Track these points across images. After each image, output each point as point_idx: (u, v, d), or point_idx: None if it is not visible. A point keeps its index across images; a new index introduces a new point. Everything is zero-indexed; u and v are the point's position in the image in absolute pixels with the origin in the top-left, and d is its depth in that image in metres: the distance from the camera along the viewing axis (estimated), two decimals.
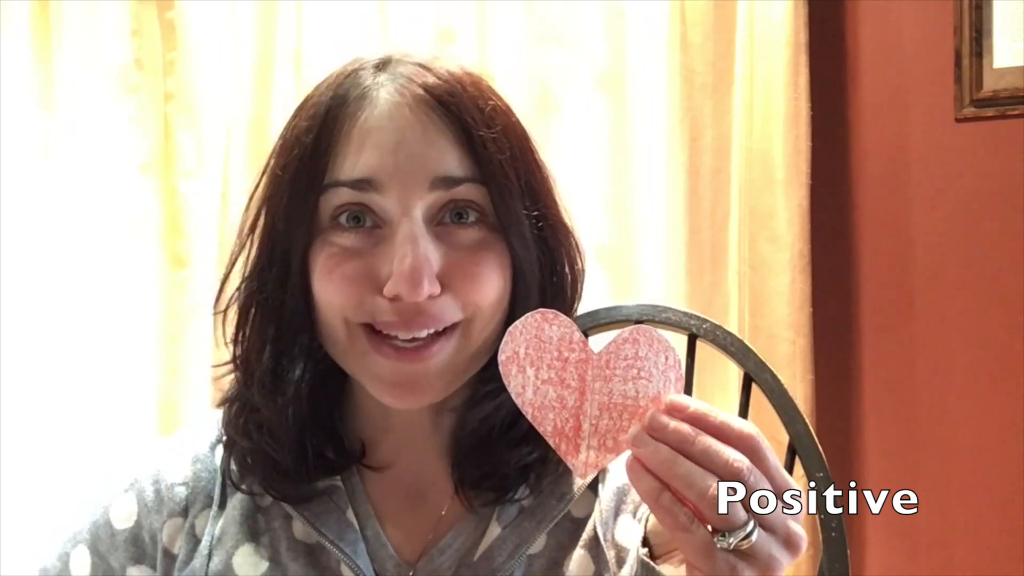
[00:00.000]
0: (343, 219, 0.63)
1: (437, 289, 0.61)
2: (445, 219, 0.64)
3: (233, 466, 0.69)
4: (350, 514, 0.68)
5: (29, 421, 1.73)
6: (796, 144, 1.59)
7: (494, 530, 0.68)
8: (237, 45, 1.77)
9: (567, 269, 0.70)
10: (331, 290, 0.63)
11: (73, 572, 0.70)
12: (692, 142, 1.65)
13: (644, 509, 0.69)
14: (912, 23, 1.62)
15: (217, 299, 0.70)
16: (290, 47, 1.76)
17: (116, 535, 0.70)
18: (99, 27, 1.82)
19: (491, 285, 0.64)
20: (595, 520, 0.69)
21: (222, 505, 0.70)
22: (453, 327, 0.64)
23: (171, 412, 1.76)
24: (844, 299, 1.66)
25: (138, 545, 0.70)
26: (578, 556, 0.68)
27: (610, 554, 0.68)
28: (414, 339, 0.62)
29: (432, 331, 0.63)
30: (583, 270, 0.72)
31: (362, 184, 0.62)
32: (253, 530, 0.68)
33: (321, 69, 1.86)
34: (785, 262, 1.59)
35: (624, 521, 0.69)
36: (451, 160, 0.63)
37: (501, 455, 0.67)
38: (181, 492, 0.70)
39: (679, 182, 1.63)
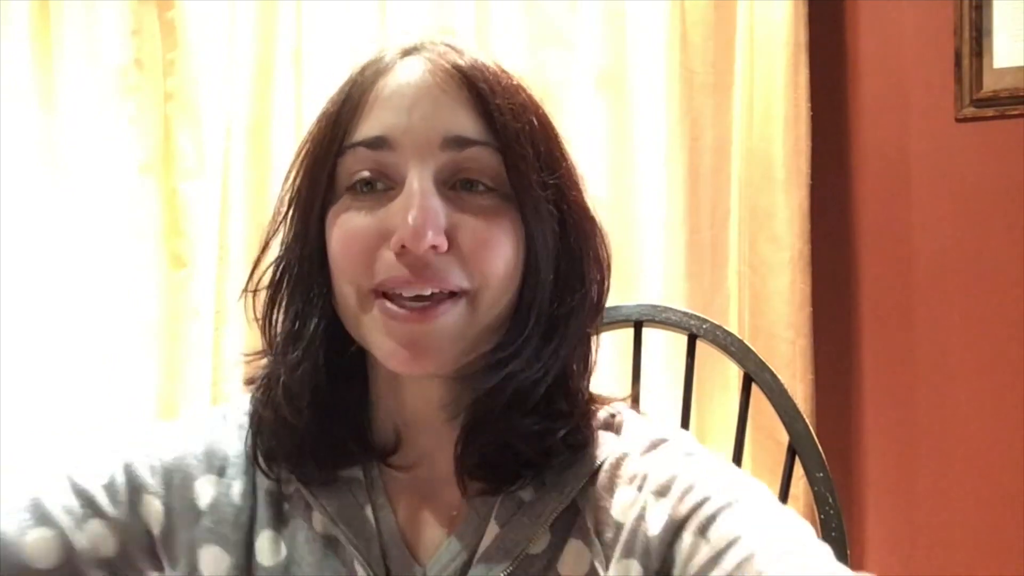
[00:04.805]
0: (358, 186, 0.64)
1: (443, 242, 0.61)
2: (457, 186, 0.63)
3: (260, 449, 0.68)
4: (368, 511, 0.67)
5: (28, 420, 1.73)
6: (796, 144, 1.59)
7: (492, 530, 0.65)
8: (237, 45, 1.77)
9: (589, 259, 0.68)
10: (339, 248, 0.63)
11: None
12: (692, 142, 1.65)
13: (637, 479, 0.65)
14: (912, 23, 1.62)
15: (249, 279, 0.70)
16: (290, 47, 1.76)
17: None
18: (99, 27, 1.82)
19: (500, 253, 0.63)
20: (587, 505, 0.66)
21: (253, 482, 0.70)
22: (461, 295, 0.62)
23: (170, 412, 1.76)
24: (844, 299, 1.66)
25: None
26: (572, 547, 0.66)
27: (609, 535, 0.64)
28: (419, 297, 0.61)
29: (437, 291, 0.61)
30: (609, 266, 0.70)
31: (376, 142, 0.63)
32: (278, 517, 0.68)
33: (321, 69, 1.87)
34: (785, 262, 1.59)
35: (620, 494, 0.65)
36: (465, 121, 0.63)
37: (508, 427, 0.64)
38: (225, 451, 0.70)
39: (679, 182, 1.63)
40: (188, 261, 1.81)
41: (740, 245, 1.63)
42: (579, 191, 0.69)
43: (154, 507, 0.67)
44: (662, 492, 0.63)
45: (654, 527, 0.61)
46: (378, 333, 0.63)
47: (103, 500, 0.66)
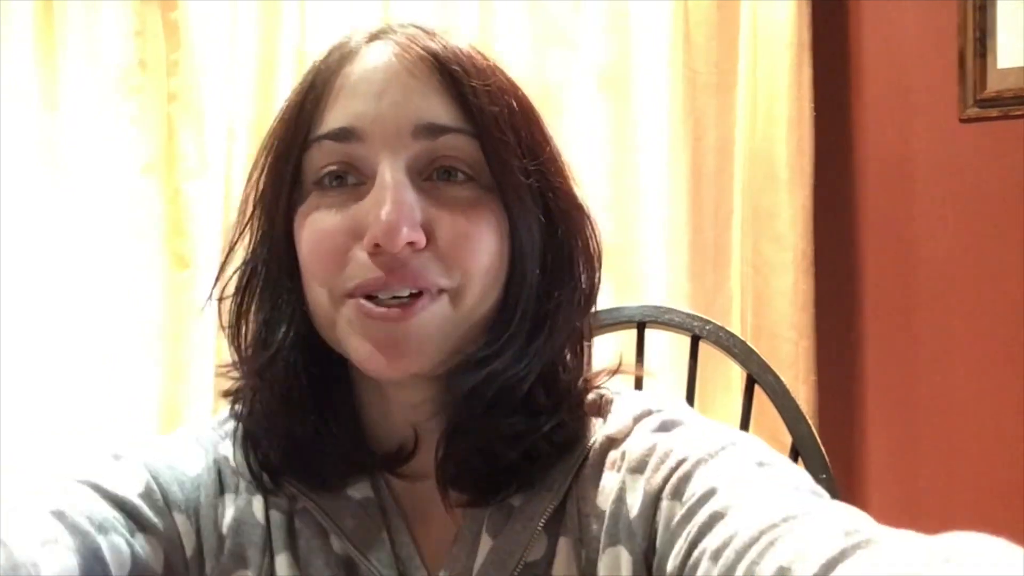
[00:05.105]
0: (326, 180, 0.59)
1: (420, 238, 0.56)
2: (433, 177, 0.59)
3: (260, 466, 0.64)
4: (385, 534, 0.62)
5: (30, 421, 1.73)
6: (799, 144, 1.59)
7: (486, 543, 0.61)
8: (240, 45, 1.77)
9: (578, 250, 0.64)
10: (308, 250, 0.59)
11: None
12: (695, 142, 1.65)
13: (618, 461, 0.61)
14: (915, 23, 1.62)
15: (214, 286, 0.66)
16: (293, 47, 1.77)
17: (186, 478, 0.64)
18: (102, 28, 1.83)
19: (483, 247, 0.58)
20: (572, 498, 0.61)
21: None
22: (442, 292, 0.58)
23: (173, 412, 1.77)
24: (847, 300, 1.66)
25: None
26: (563, 546, 0.61)
27: (594, 527, 0.60)
28: (396, 298, 0.57)
29: (416, 291, 0.57)
30: (600, 257, 0.65)
31: (343, 134, 0.58)
32: (290, 535, 0.63)
33: None
34: (788, 263, 1.59)
35: (603, 481, 0.61)
36: (438, 107, 0.58)
37: (490, 429, 0.60)
38: (234, 465, 0.66)
39: (682, 182, 1.63)
40: (191, 261, 1.81)
41: (743, 246, 1.63)
42: (565, 178, 0.64)
43: (185, 526, 0.62)
44: (639, 468, 0.59)
45: (633, 507, 0.58)
46: (353, 336, 0.58)
47: (145, 510, 0.59)
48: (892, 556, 0.41)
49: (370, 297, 0.58)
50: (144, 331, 1.79)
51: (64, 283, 1.79)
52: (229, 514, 0.63)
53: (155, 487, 0.61)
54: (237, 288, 0.64)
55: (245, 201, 0.64)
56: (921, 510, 1.60)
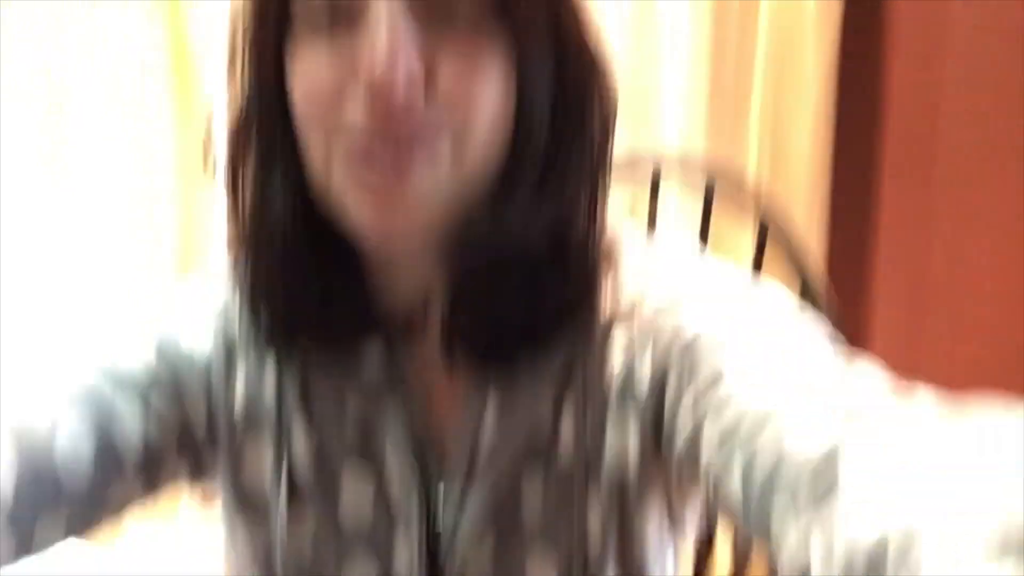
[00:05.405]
0: (317, 17, 0.53)
1: (419, 79, 0.51)
2: (434, 14, 0.53)
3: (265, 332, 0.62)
4: (398, 397, 0.62)
5: (31, 322, 1.74)
6: None
7: (492, 411, 0.60)
8: None
9: (590, 97, 0.59)
10: (301, 96, 0.54)
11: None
12: None
13: (627, 324, 0.59)
14: None
15: (206, 155, 0.62)
16: None
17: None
18: None
19: (487, 92, 0.53)
20: (579, 362, 0.60)
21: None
22: (443, 141, 0.53)
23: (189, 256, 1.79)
24: (866, 154, 1.62)
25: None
26: (567, 411, 0.60)
27: (601, 394, 0.59)
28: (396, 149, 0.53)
29: (417, 139, 0.53)
30: (614, 105, 0.60)
31: None
32: (305, 402, 0.62)
33: None
34: (809, 112, 1.55)
35: (612, 344, 0.60)
36: None
37: (497, 291, 0.57)
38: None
39: (704, 23, 1.56)
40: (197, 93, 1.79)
41: (764, 92, 1.58)
42: (579, 17, 0.58)
43: (196, 404, 0.62)
44: (648, 335, 0.58)
45: (643, 378, 0.57)
46: (348, 190, 0.54)
47: (155, 390, 0.60)
48: (896, 452, 0.39)
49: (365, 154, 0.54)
50: (152, 176, 1.78)
51: (65, 127, 1.77)
52: (240, 386, 0.63)
53: (164, 367, 0.61)
54: (230, 140, 0.60)
55: (233, 40, 0.57)
56: (924, 355, 1.63)
